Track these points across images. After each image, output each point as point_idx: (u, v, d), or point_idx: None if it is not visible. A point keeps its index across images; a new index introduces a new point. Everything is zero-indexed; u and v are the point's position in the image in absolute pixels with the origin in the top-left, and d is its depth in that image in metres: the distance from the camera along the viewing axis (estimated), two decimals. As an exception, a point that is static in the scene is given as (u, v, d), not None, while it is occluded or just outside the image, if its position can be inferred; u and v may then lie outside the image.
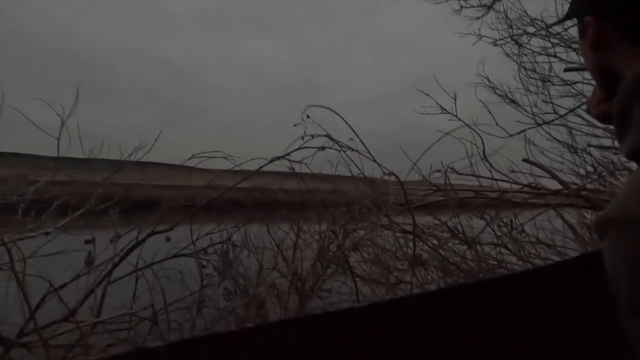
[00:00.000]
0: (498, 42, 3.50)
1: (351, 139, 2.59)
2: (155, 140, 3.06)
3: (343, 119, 2.19)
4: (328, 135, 2.60)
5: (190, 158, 2.38)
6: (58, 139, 2.10)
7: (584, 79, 3.19)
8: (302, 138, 2.15)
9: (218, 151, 2.26)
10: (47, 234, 2.47)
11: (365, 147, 2.45)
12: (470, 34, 3.62)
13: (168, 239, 2.81)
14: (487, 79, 3.44)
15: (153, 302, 1.73)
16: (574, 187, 2.51)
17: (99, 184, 3.10)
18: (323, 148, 2.75)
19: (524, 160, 2.67)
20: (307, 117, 2.91)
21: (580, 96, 3.33)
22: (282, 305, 2.19)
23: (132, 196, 3.28)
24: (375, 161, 2.21)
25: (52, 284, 1.66)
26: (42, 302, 1.56)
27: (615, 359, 0.75)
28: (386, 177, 2.71)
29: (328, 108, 2.21)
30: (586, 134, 3.37)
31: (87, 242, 3.39)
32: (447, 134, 2.87)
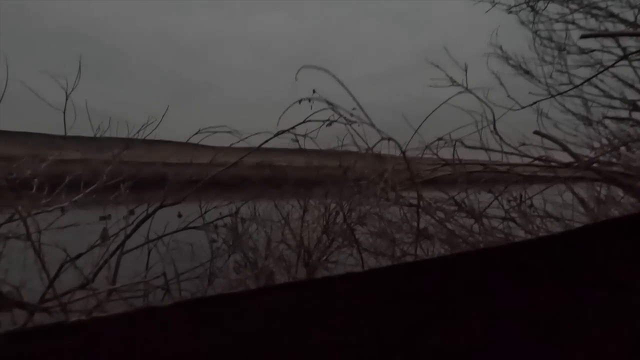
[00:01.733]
0: (513, 10, 3.34)
1: (354, 108, 2.55)
2: (162, 116, 3.07)
3: (341, 83, 2.13)
4: (332, 107, 2.57)
5: (196, 133, 2.39)
6: (64, 112, 2.12)
7: (602, 46, 3.04)
8: (299, 102, 2.12)
9: (224, 126, 2.26)
10: (62, 208, 2.55)
11: (366, 115, 2.40)
12: (483, 0, 3.45)
13: (180, 215, 2.88)
14: (500, 48, 3.31)
15: (165, 271, 1.80)
16: (585, 159, 2.46)
17: (108, 161, 3.15)
18: (330, 123, 2.73)
19: (535, 132, 2.60)
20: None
21: (598, 65, 3.19)
22: (290, 276, 2.25)
23: (141, 173, 3.33)
24: (374, 126, 2.17)
25: (68, 254, 1.73)
26: (60, 271, 1.63)
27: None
28: (392, 148, 2.69)
29: (322, 69, 2.15)
30: (602, 106, 3.26)
31: (102, 218, 3.49)
32: (446, 101, 2.78)
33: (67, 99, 2.08)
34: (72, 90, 2.11)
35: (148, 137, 3.18)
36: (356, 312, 0.74)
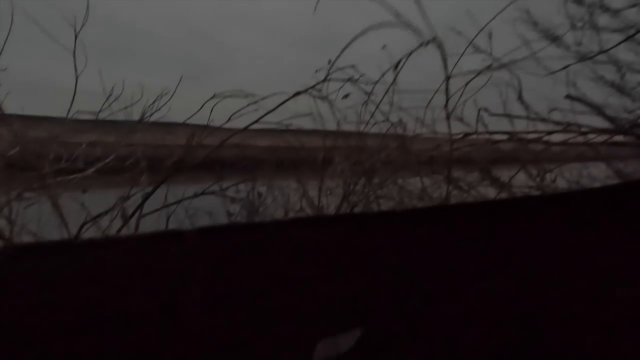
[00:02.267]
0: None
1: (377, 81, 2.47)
2: (172, 96, 3.06)
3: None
4: (351, 79, 2.49)
5: (211, 98, 2.36)
6: (73, 95, 2.12)
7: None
8: (328, 62, 2.05)
9: (240, 90, 2.21)
10: (83, 189, 2.58)
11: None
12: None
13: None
14: (527, 12, 3.13)
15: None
16: (623, 123, 2.29)
17: (127, 144, 3.17)
18: (347, 95, 2.65)
19: (567, 96, 2.45)
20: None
21: (633, 28, 2.98)
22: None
23: (158, 154, 3.35)
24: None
25: (90, 213, 1.73)
26: (80, 231, 1.64)
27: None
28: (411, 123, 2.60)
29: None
30: (638, 72, 3.05)
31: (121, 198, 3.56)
32: (478, 73, 2.68)
33: (76, 82, 2.07)
34: (81, 72, 2.10)
35: (162, 118, 3.18)
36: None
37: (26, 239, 1.52)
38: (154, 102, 2.66)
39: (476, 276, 0.67)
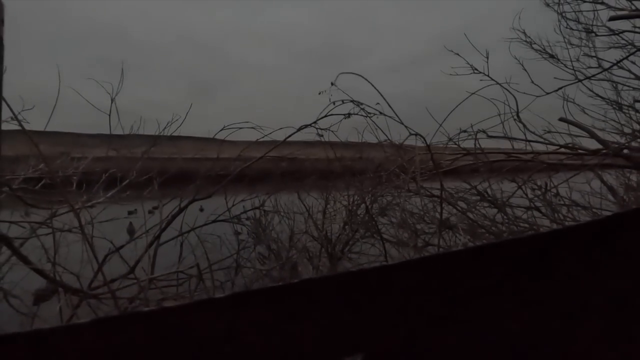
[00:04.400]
0: (537, -8, 3.22)
1: (378, 103, 2.57)
2: (187, 114, 3.19)
3: (371, 84, 2.16)
4: (354, 101, 2.60)
5: (221, 130, 2.49)
6: (109, 115, 2.26)
7: (633, 26, 2.90)
8: (334, 103, 2.16)
9: (247, 122, 2.33)
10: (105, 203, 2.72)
11: (392, 109, 2.42)
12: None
13: (201, 209, 3.01)
14: (524, 33, 3.21)
15: (198, 262, 1.91)
16: (614, 146, 2.38)
17: (137, 158, 3.31)
18: (349, 115, 2.76)
19: (561, 119, 2.54)
20: (332, 84, 2.90)
21: (629, 47, 3.05)
22: (314, 266, 2.33)
23: (168, 169, 3.49)
24: (401, 122, 2.20)
25: (113, 244, 1.87)
26: (105, 260, 1.77)
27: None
28: (412, 138, 2.70)
29: (358, 74, 2.19)
30: (633, 89, 3.12)
31: (129, 213, 3.71)
32: (473, 93, 2.76)
33: (112, 102, 2.21)
34: (117, 94, 2.24)
35: (172, 134, 3.31)
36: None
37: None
38: (165, 127, 2.79)
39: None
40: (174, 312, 0.70)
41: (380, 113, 2.21)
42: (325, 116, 2.29)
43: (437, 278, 0.77)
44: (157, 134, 3.31)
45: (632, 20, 2.77)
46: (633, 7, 2.68)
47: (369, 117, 2.66)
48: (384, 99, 2.19)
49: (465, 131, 2.64)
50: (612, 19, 2.64)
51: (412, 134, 2.23)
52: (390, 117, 2.19)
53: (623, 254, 0.83)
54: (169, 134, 3.30)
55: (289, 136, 2.30)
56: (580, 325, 0.80)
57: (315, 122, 2.31)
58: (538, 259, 0.82)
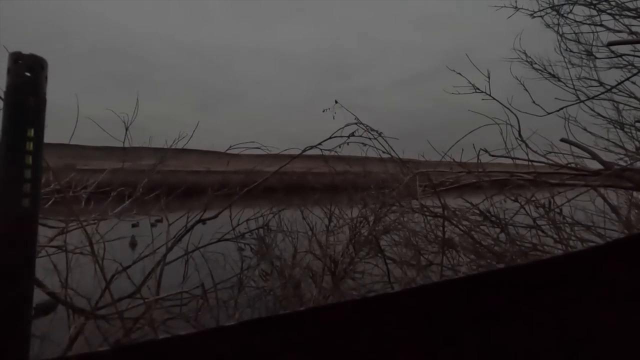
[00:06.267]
0: (536, 14, 3.29)
1: (381, 133, 2.62)
2: (194, 130, 3.26)
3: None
4: (358, 122, 2.65)
5: (228, 149, 2.53)
6: (126, 129, 2.32)
7: (634, 49, 2.95)
8: (342, 130, 2.22)
9: (253, 142, 2.39)
10: (128, 223, 2.77)
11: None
12: (506, 6, 3.42)
13: (204, 223, 3.05)
14: (525, 53, 3.27)
15: (203, 282, 1.93)
16: (616, 167, 2.40)
17: (144, 172, 3.37)
18: (352, 134, 2.81)
19: (562, 140, 2.57)
20: (336, 102, 2.96)
21: (629, 67, 3.09)
22: (317, 286, 2.34)
23: (173, 182, 3.54)
24: (400, 160, 2.25)
25: (121, 264, 1.90)
26: (112, 280, 1.80)
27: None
28: (414, 156, 2.74)
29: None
30: (634, 108, 3.15)
31: (133, 226, 3.78)
32: (481, 122, 2.80)
33: (126, 132, 2.28)
34: (131, 122, 2.31)
35: (177, 147, 3.37)
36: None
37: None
38: (173, 142, 2.84)
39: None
40: (189, 340, 0.73)
41: (380, 135, 2.26)
42: (329, 138, 2.34)
43: (442, 303, 0.78)
44: (164, 147, 3.37)
45: (635, 45, 2.82)
46: (631, 31, 2.73)
47: (373, 137, 2.71)
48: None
49: (479, 149, 2.67)
50: (610, 44, 2.69)
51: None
52: (393, 137, 2.23)
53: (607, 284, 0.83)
54: (175, 148, 3.37)
55: (294, 158, 2.35)
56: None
57: (320, 144, 2.36)
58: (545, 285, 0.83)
